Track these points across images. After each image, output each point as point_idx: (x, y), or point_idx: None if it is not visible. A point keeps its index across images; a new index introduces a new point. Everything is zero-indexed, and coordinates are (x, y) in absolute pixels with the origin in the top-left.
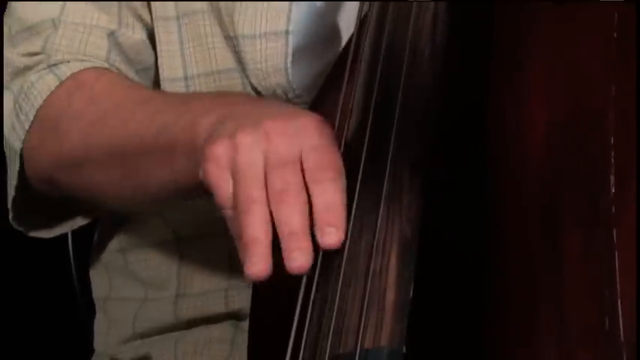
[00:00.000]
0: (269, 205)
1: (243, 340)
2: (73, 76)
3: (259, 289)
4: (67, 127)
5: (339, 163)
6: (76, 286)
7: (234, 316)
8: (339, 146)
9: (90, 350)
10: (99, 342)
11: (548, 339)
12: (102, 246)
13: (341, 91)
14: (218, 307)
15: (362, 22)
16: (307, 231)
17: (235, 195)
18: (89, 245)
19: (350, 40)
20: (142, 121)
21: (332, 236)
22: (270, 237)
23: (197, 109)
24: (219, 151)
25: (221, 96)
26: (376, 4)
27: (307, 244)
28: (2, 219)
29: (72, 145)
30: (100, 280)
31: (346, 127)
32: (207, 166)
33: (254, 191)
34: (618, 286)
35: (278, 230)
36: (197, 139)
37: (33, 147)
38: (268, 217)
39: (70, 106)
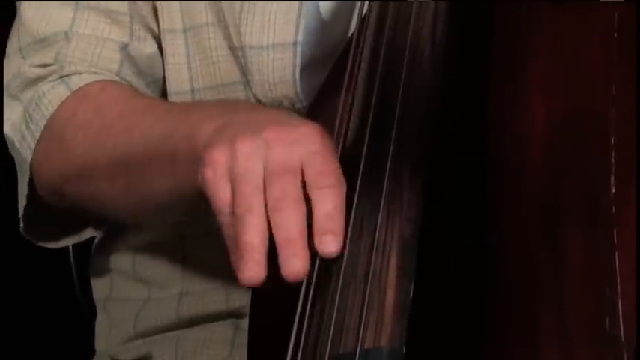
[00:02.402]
0: (266, 214)
1: (242, 339)
2: (79, 88)
3: (260, 288)
4: (72, 137)
5: (339, 171)
6: (77, 287)
7: (234, 314)
8: (339, 147)
9: (90, 350)
10: (100, 342)
11: (549, 339)
12: (104, 247)
13: (340, 92)
14: (219, 305)
15: (362, 23)
16: (304, 238)
17: (233, 202)
18: (90, 246)
19: (350, 40)
20: (144, 130)
21: (330, 244)
22: (265, 244)
23: (197, 117)
24: (218, 157)
25: (222, 104)
26: (376, 5)
27: (303, 251)
28: (2, 219)
29: (77, 154)
30: (100, 281)
31: (347, 127)
32: (205, 172)
33: (252, 199)
34: (619, 286)
35: (275, 237)
36: (197, 146)
37: (40, 158)
38: (265, 225)
39: (75, 117)
